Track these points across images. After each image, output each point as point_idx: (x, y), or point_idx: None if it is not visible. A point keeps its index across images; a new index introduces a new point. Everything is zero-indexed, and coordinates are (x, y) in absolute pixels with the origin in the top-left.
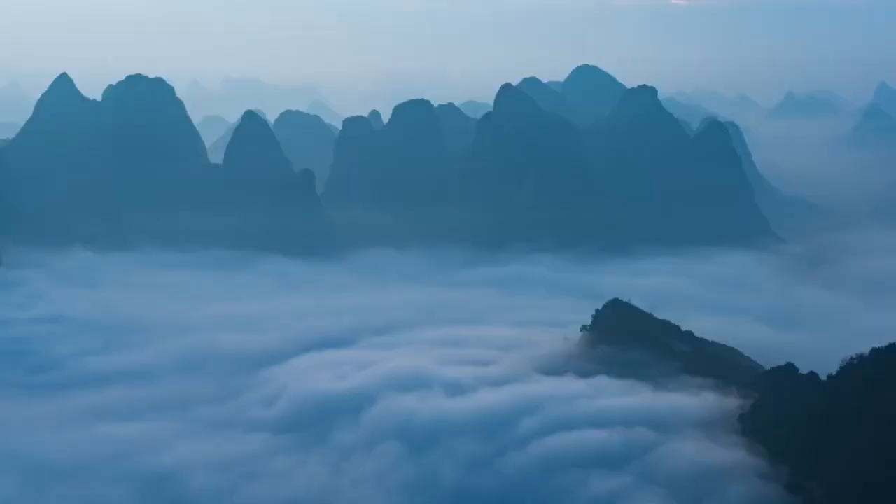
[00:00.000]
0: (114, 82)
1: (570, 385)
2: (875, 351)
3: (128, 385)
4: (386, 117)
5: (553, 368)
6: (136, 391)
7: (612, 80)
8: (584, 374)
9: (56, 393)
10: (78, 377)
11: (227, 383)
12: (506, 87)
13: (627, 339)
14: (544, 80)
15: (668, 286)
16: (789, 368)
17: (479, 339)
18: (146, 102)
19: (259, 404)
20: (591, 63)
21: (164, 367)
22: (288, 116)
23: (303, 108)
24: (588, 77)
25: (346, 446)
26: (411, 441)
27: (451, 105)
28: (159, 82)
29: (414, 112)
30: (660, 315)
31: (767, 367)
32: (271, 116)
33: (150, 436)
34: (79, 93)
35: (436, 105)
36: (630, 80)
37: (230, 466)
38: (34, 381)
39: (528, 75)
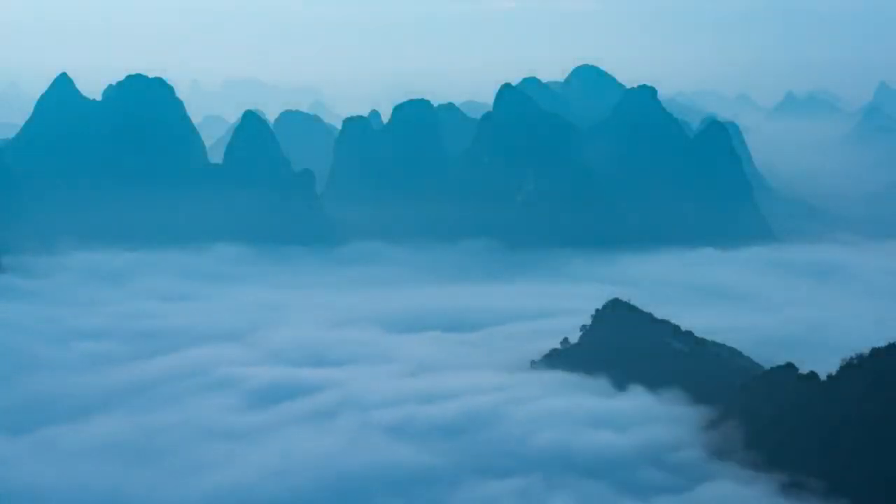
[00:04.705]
0: (114, 82)
1: (568, 386)
2: (875, 351)
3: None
4: (386, 117)
5: (552, 369)
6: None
7: (612, 80)
8: (582, 374)
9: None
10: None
11: None
12: (506, 87)
13: (627, 339)
14: (544, 80)
15: (667, 285)
16: (789, 368)
17: (478, 338)
18: (146, 102)
19: None
20: (591, 63)
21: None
22: (288, 116)
23: (303, 108)
24: (588, 77)
25: None
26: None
27: (451, 105)
28: (159, 82)
29: (414, 112)
30: (659, 314)
31: (767, 367)
32: (271, 116)
33: None
34: (79, 93)
35: (436, 105)
36: (630, 80)
37: None
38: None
39: (528, 75)
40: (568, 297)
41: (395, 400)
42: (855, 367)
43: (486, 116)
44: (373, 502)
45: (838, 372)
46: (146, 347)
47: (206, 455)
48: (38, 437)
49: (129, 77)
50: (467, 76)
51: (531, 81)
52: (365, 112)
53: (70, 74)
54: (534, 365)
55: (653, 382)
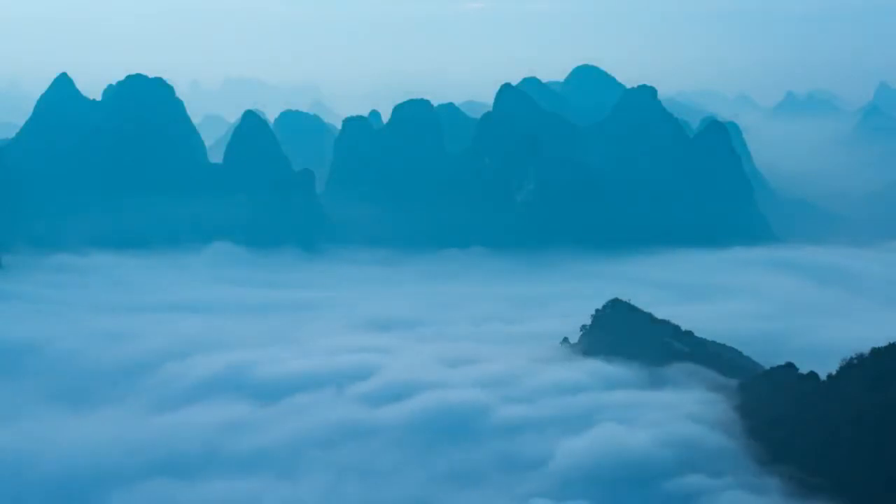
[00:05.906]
0: (114, 82)
1: (568, 386)
2: (875, 351)
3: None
4: (386, 117)
5: (552, 368)
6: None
7: (612, 80)
8: (583, 373)
9: None
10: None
11: None
12: (506, 87)
13: (627, 339)
14: (544, 80)
15: (667, 285)
16: (789, 368)
17: (477, 337)
18: (146, 102)
19: None
20: (591, 63)
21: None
22: (288, 116)
23: (303, 108)
24: (588, 77)
25: None
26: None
27: (451, 105)
28: (159, 82)
29: (414, 112)
30: (659, 314)
31: (767, 367)
32: (271, 116)
33: None
34: (79, 93)
35: (436, 105)
36: (630, 80)
37: None
38: None
39: (528, 75)
40: (568, 298)
41: (391, 397)
42: (855, 367)
43: (486, 116)
44: None
45: (838, 372)
46: (144, 347)
47: (200, 452)
48: (37, 427)
49: (129, 77)
50: (467, 76)
51: (531, 81)
52: (365, 112)
53: (70, 74)
54: (533, 364)
55: (652, 383)
